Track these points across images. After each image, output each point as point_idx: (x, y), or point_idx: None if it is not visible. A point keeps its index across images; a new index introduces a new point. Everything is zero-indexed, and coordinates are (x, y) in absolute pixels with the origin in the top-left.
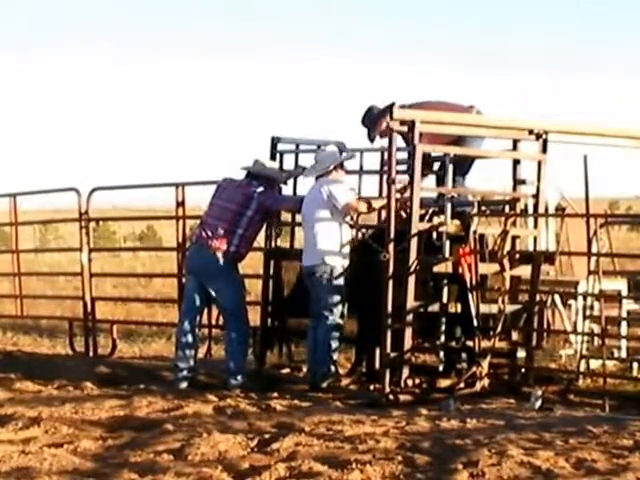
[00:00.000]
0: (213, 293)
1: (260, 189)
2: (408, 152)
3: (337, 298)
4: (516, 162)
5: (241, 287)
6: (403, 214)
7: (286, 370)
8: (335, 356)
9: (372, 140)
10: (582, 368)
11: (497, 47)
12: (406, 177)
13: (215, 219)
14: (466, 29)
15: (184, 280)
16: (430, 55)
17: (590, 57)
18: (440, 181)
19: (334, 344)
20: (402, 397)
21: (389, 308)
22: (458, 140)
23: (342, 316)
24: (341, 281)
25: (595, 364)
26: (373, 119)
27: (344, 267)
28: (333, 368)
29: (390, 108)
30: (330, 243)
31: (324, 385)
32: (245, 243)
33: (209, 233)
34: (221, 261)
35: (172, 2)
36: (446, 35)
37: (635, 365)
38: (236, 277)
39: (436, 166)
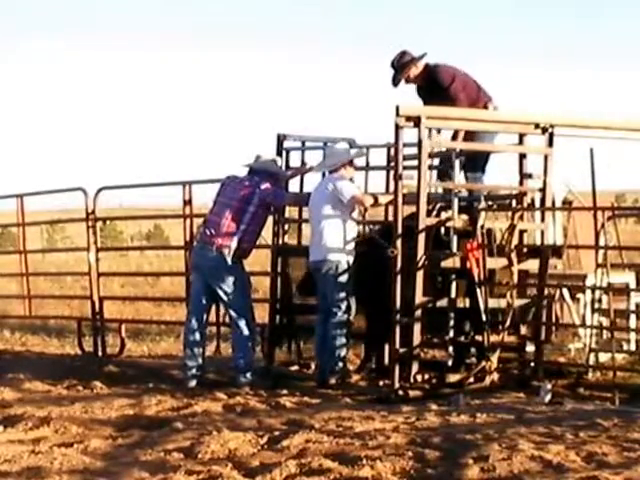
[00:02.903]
0: (219, 291)
1: (262, 185)
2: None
3: (344, 294)
4: (522, 156)
5: (246, 284)
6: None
7: (295, 367)
8: (343, 352)
9: (396, 84)
10: (591, 361)
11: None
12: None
13: (218, 216)
14: (467, 23)
15: (191, 278)
16: (432, 54)
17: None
18: (444, 176)
19: (342, 340)
20: (412, 393)
21: (398, 304)
22: (473, 136)
23: (350, 311)
24: (347, 277)
25: (604, 357)
26: (403, 63)
27: (349, 263)
28: (341, 364)
29: (422, 57)
30: (336, 239)
31: (332, 381)
32: (248, 239)
33: (212, 231)
34: (225, 258)
35: (177, 2)
36: (447, 32)
37: None
38: (241, 274)
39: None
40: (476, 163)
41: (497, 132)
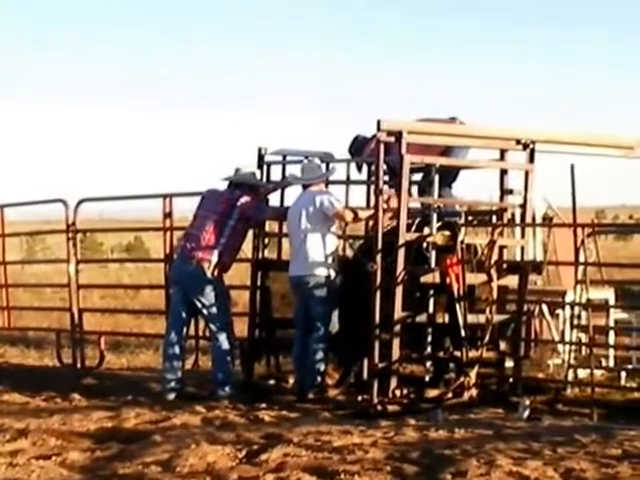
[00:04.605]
0: (198, 304)
1: (243, 198)
2: (386, 163)
3: (327, 308)
4: (503, 172)
5: (226, 298)
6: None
7: (273, 381)
8: (323, 367)
9: (360, 168)
10: (570, 377)
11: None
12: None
13: (198, 230)
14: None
15: (171, 291)
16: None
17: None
18: (423, 191)
19: (322, 354)
20: (390, 407)
21: (377, 319)
22: (444, 151)
23: (333, 326)
24: (329, 291)
25: (583, 373)
26: (359, 146)
27: (332, 277)
28: (320, 378)
29: (373, 137)
30: (318, 253)
31: (311, 395)
32: (228, 253)
33: (192, 244)
34: (205, 272)
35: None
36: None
37: (623, 374)
38: (220, 288)
39: (419, 176)
40: (443, 179)
41: (469, 147)
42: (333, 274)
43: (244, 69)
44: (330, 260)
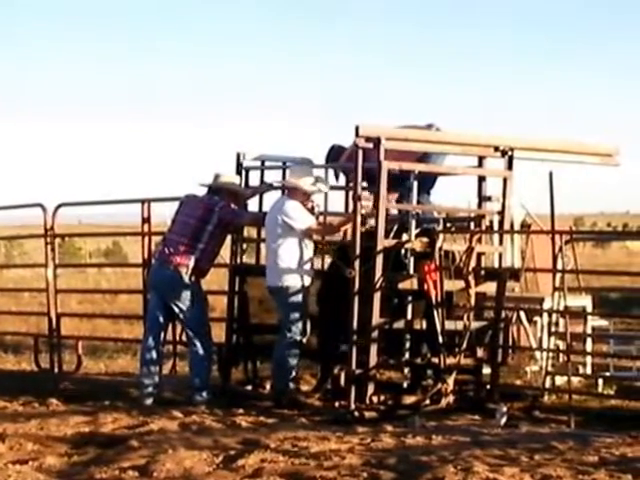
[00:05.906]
0: (175, 309)
1: (222, 204)
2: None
3: (297, 316)
4: (482, 179)
5: (203, 303)
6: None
7: (250, 387)
8: (293, 373)
9: (337, 175)
10: (547, 384)
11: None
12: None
13: (176, 234)
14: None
15: (148, 296)
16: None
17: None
18: (402, 197)
19: (293, 361)
20: (367, 414)
21: (355, 325)
22: (421, 157)
23: (304, 333)
24: (301, 298)
25: (560, 380)
26: (336, 155)
27: (304, 285)
28: (292, 384)
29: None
30: (290, 262)
31: (285, 402)
32: (206, 258)
33: (171, 249)
34: (183, 277)
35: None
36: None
37: (600, 381)
38: (198, 293)
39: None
40: (422, 185)
41: (446, 154)
42: (308, 281)
43: (241, 73)
44: (305, 267)
